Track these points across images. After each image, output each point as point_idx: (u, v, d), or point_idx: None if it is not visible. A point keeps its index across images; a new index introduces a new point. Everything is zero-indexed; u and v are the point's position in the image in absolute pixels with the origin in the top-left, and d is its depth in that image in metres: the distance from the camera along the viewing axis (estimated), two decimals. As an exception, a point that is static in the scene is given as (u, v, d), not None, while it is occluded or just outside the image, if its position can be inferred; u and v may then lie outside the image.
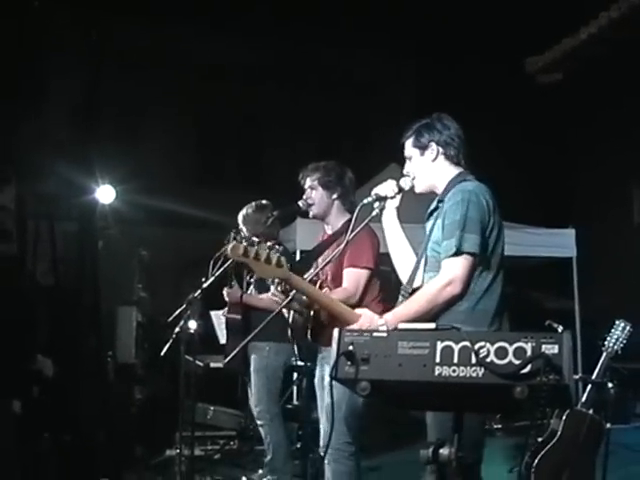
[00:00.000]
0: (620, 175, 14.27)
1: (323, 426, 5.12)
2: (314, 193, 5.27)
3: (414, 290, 3.92)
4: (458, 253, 3.71)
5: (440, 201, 4.00)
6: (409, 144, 4.13)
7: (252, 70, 17.50)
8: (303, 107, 18.07)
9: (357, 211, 4.33)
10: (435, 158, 4.06)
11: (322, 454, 4.94)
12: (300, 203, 5.78)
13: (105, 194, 7.71)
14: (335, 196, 5.22)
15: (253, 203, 6.81)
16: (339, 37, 17.48)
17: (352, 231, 4.18)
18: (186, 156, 17.99)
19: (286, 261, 3.99)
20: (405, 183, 4.18)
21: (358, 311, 3.94)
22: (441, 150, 4.05)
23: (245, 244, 3.88)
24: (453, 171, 4.05)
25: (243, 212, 6.78)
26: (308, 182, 5.31)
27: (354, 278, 4.94)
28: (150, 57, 16.60)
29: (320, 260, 5.12)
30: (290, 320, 5.02)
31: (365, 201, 4.27)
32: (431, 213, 4.09)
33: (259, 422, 6.66)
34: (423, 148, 4.07)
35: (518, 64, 11.34)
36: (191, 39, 16.93)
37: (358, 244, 4.81)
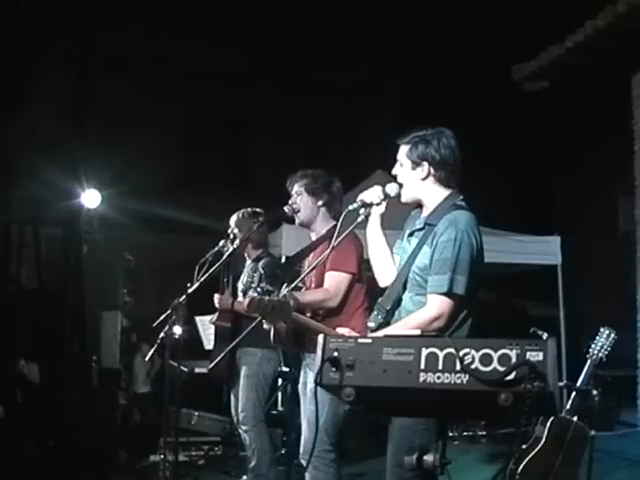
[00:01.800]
0: (605, 183, 14.35)
1: (304, 432, 5.11)
2: (299, 199, 5.27)
3: (391, 307, 3.98)
4: (448, 294, 3.79)
5: (428, 224, 3.99)
6: (403, 151, 4.10)
7: (240, 74, 17.53)
8: (290, 112, 18.10)
9: (342, 217, 4.33)
10: (425, 177, 4.03)
11: (302, 460, 4.95)
12: (286, 208, 5.77)
13: (90, 198, 7.66)
14: (321, 203, 5.22)
15: (248, 209, 6.80)
16: (326, 43, 17.53)
17: (337, 237, 4.18)
18: (173, 160, 17.97)
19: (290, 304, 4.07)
20: (391, 190, 4.16)
21: (340, 330, 3.94)
22: (432, 171, 4.01)
23: (259, 297, 3.97)
24: (442, 192, 4.03)
25: (238, 215, 6.77)
26: (295, 188, 5.31)
27: (335, 281, 4.95)
28: (137, 60, 16.59)
29: (305, 265, 5.12)
30: (273, 327, 5.02)
31: (351, 207, 4.27)
32: (414, 231, 4.09)
33: (243, 427, 6.64)
34: (415, 163, 4.04)
35: (504, 72, 11.35)
36: (179, 42, 16.93)
37: (341, 249, 4.80)
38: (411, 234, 4.10)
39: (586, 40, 9.71)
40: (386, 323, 3.94)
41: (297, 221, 5.32)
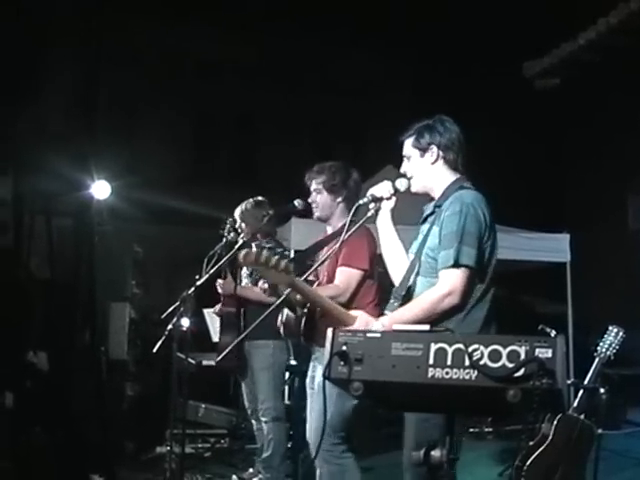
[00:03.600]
0: (615, 181, 14.31)
1: (309, 425, 5.11)
2: (319, 197, 5.26)
3: (407, 293, 3.95)
4: (456, 265, 3.76)
5: (437, 206, 4.02)
6: (409, 144, 4.13)
7: (248, 68, 17.50)
8: (299, 106, 18.07)
9: (352, 212, 4.34)
10: (435, 161, 4.06)
11: (308, 454, 4.95)
12: (296, 202, 5.77)
13: (100, 190, 7.68)
14: (340, 199, 5.20)
15: (251, 200, 6.81)
16: (336, 37, 17.49)
17: (347, 231, 4.18)
18: (182, 153, 17.97)
19: (292, 266, 3.99)
20: (401, 184, 4.17)
21: (354, 313, 3.94)
22: (441, 154, 4.05)
23: (256, 250, 3.89)
24: (451, 176, 4.07)
25: (242, 207, 6.79)
26: (313, 185, 5.29)
27: (346, 277, 4.93)
28: (147, 53, 16.58)
29: (319, 258, 5.11)
30: (283, 318, 5.03)
31: (361, 202, 4.27)
32: (427, 217, 4.10)
33: (264, 419, 6.64)
34: (423, 150, 4.07)
35: (516, 68, 11.33)
36: (188, 36, 16.91)
37: (354, 244, 4.81)
38: (424, 221, 4.11)
39: (598, 37, 9.69)
40: None
41: (315, 216, 5.30)
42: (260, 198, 6.84)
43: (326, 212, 5.23)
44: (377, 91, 18.91)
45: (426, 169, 4.08)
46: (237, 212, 6.80)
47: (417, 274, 3.98)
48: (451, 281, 3.77)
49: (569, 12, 11.46)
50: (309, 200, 5.33)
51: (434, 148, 4.05)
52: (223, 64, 17.43)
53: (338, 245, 4.24)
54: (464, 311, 3.80)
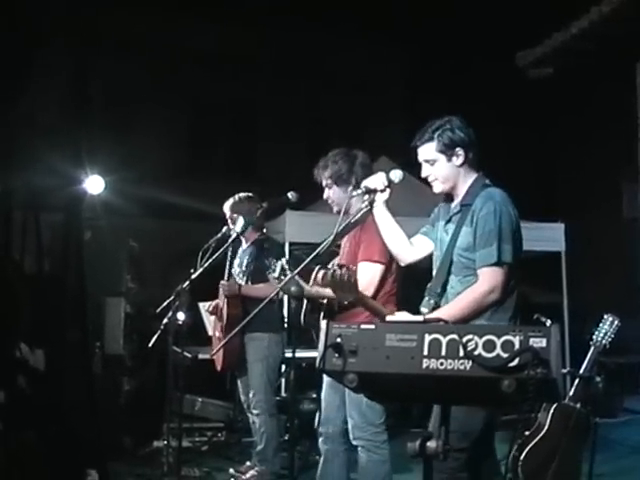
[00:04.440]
0: (609, 170, 14.32)
1: (324, 413, 5.15)
2: (331, 192, 5.22)
3: (442, 291, 4.01)
4: (498, 263, 3.86)
5: (464, 205, 4.04)
6: (431, 148, 4.10)
7: (246, 62, 17.45)
8: (295, 99, 18.05)
9: (346, 203, 4.34)
10: (462, 163, 4.09)
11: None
12: (289, 195, 5.76)
13: (94, 184, 7.66)
14: (351, 187, 5.09)
15: (242, 194, 6.82)
16: (332, 32, 17.47)
17: (341, 224, 4.18)
18: (177, 147, 17.93)
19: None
20: (395, 176, 4.19)
21: (398, 314, 3.99)
22: (467, 154, 4.08)
23: (332, 270, 3.97)
24: (472, 175, 4.12)
25: (234, 200, 6.79)
26: (323, 181, 5.25)
27: (369, 272, 4.93)
28: (144, 46, 16.52)
29: (342, 247, 5.14)
30: (303, 309, 5.04)
31: (354, 193, 4.28)
32: (451, 217, 4.12)
33: (255, 411, 6.65)
34: (450, 153, 4.08)
35: (509, 58, 11.30)
36: (186, 29, 16.86)
37: (369, 238, 4.83)
38: (448, 220, 4.13)
39: (591, 26, 9.65)
40: (438, 306, 3.97)
41: (334, 210, 5.25)
42: (250, 194, 6.85)
43: (342, 205, 5.13)
44: (373, 85, 18.87)
45: (454, 171, 4.10)
46: (227, 205, 6.80)
47: (449, 273, 4.03)
48: (494, 278, 3.86)
49: (562, 1, 11.42)
50: (324, 197, 5.30)
51: (460, 150, 4.07)
52: (221, 58, 17.36)
53: (331, 238, 4.25)
54: (499, 302, 3.90)
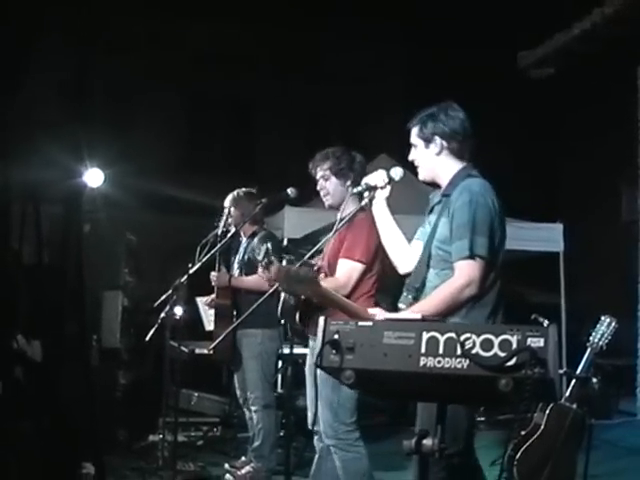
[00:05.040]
0: (609, 172, 14.32)
1: (310, 414, 5.13)
2: (328, 183, 5.16)
3: (421, 286, 3.95)
4: (471, 256, 3.78)
5: (445, 195, 4.01)
6: (414, 133, 4.11)
7: (244, 56, 17.43)
8: (294, 95, 18.02)
9: (346, 200, 4.34)
10: (439, 152, 4.05)
11: (327, 442, 4.96)
12: (289, 191, 5.76)
13: (93, 177, 7.66)
14: (349, 183, 5.07)
15: (243, 189, 6.83)
16: (331, 27, 17.46)
17: (340, 221, 4.18)
18: (176, 141, 17.91)
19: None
20: (395, 173, 4.19)
21: (371, 311, 3.93)
22: (445, 144, 4.04)
23: (287, 267, 3.92)
24: (457, 165, 4.06)
25: (234, 195, 6.79)
26: (320, 172, 5.19)
27: (347, 270, 4.90)
28: (143, 39, 16.50)
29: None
30: (280, 302, 5.01)
31: (355, 190, 4.28)
32: (434, 206, 4.09)
33: (252, 408, 6.65)
34: (427, 140, 4.06)
35: (510, 58, 11.30)
36: (185, 23, 16.85)
37: (356, 236, 4.81)
38: (430, 211, 4.10)
39: (593, 28, 9.66)
40: (417, 302, 3.91)
41: (327, 204, 5.22)
42: (252, 190, 6.85)
43: (337, 198, 5.10)
44: (373, 83, 18.84)
45: (431, 159, 4.08)
46: (228, 200, 6.80)
47: (428, 266, 3.98)
48: (468, 272, 3.78)
49: (564, 2, 11.42)
50: (318, 189, 5.24)
51: (437, 139, 4.04)
52: (218, 52, 17.33)
53: (332, 234, 4.24)
54: (476, 299, 3.81)
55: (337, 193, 5.12)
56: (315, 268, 4.91)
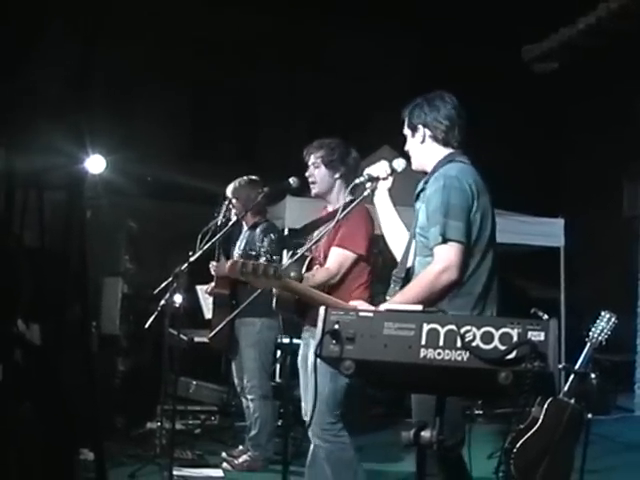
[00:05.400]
0: (611, 167, 14.31)
1: (304, 404, 5.14)
2: (317, 172, 5.18)
3: (406, 275, 3.94)
4: (445, 241, 3.73)
5: (426, 182, 4.01)
6: (405, 123, 4.14)
7: (248, 46, 17.40)
8: (298, 85, 18.02)
9: (349, 191, 4.33)
10: (423, 140, 4.06)
11: (307, 431, 4.95)
12: (290, 180, 5.76)
13: (95, 164, 7.65)
14: (338, 175, 5.11)
15: (245, 177, 6.83)
16: (336, 18, 17.42)
17: (343, 211, 4.17)
18: (179, 128, 17.91)
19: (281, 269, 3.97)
20: (398, 165, 4.18)
21: (353, 303, 3.90)
22: (428, 132, 4.04)
23: (241, 261, 3.87)
24: (442, 152, 4.04)
25: (235, 185, 6.79)
26: (312, 159, 5.21)
27: (338, 258, 4.91)
28: (146, 27, 16.47)
29: (315, 235, 5.09)
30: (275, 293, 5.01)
31: (357, 181, 4.27)
32: (418, 195, 4.09)
33: (249, 397, 6.67)
34: (413, 130, 4.09)
35: (514, 52, 11.29)
36: (188, 13, 16.82)
37: (351, 226, 4.81)
38: (416, 199, 4.10)
39: (598, 22, 9.64)
40: None
41: (313, 192, 5.26)
42: (254, 177, 6.85)
43: (324, 187, 5.16)
44: (377, 74, 18.81)
45: (417, 148, 4.09)
46: (230, 189, 6.81)
47: (414, 255, 3.98)
48: (444, 257, 3.73)
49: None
50: (306, 174, 5.27)
51: (420, 128, 4.05)
52: (224, 40, 17.30)
53: (333, 225, 4.24)
54: (458, 286, 3.76)
55: (324, 183, 5.16)
56: (307, 259, 4.92)
